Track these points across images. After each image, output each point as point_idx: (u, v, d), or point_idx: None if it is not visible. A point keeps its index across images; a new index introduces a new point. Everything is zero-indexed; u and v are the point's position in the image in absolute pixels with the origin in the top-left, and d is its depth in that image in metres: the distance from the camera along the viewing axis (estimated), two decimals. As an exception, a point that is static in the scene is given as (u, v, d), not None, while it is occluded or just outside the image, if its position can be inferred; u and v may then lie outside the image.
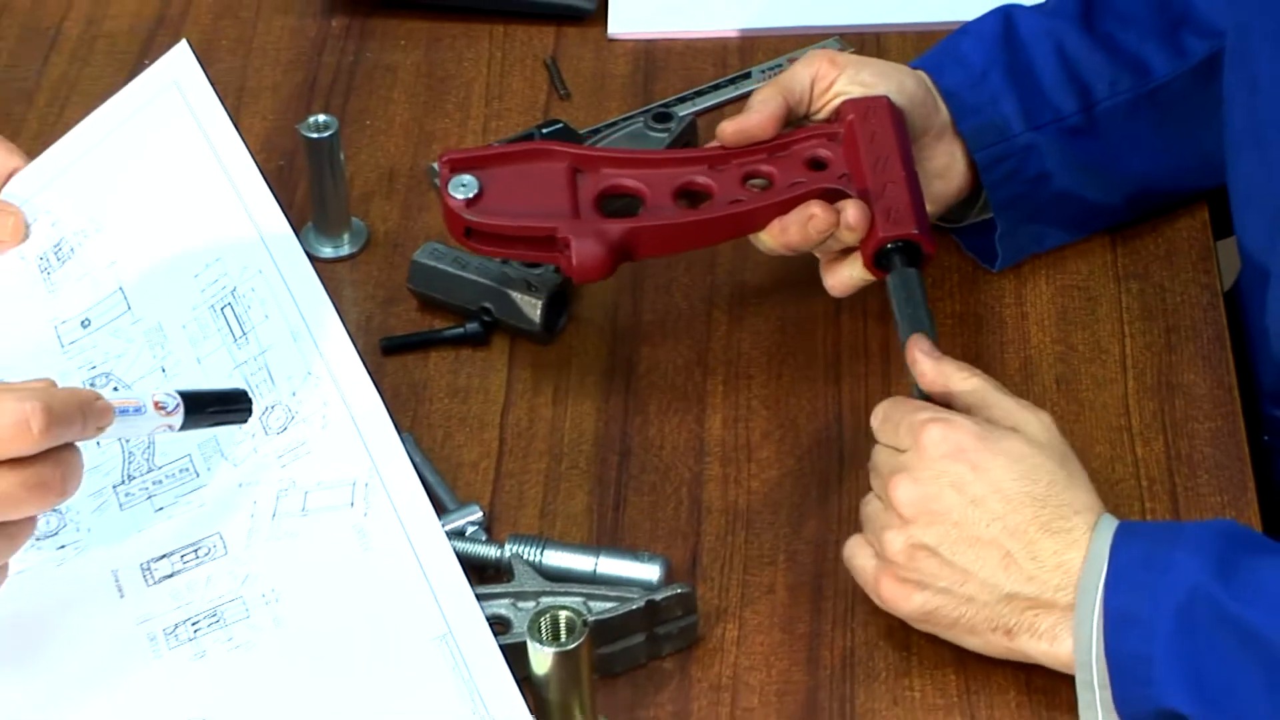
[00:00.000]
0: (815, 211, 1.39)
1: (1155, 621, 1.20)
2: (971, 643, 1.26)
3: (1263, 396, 1.48)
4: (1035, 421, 1.28)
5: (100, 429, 1.20)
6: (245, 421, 1.29)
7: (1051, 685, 1.27)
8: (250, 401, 1.29)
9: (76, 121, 1.51)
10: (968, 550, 1.24)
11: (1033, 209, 1.50)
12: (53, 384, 1.21)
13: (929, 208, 1.44)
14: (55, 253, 1.45)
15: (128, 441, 1.35)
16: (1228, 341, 1.47)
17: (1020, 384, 1.44)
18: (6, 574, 1.21)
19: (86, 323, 1.41)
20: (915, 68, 1.49)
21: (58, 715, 1.24)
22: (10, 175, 1.47)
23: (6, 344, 1.41)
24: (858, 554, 1.29)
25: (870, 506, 1.29)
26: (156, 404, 1.23)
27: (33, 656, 1.26)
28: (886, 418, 1.30)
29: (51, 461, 1.18)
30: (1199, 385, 1.45)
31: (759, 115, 1.43)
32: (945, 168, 1.48)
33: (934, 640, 1.29)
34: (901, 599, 1.26)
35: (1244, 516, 1.37)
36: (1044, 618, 1.23)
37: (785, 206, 1.40)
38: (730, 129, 1.43)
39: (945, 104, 1.48)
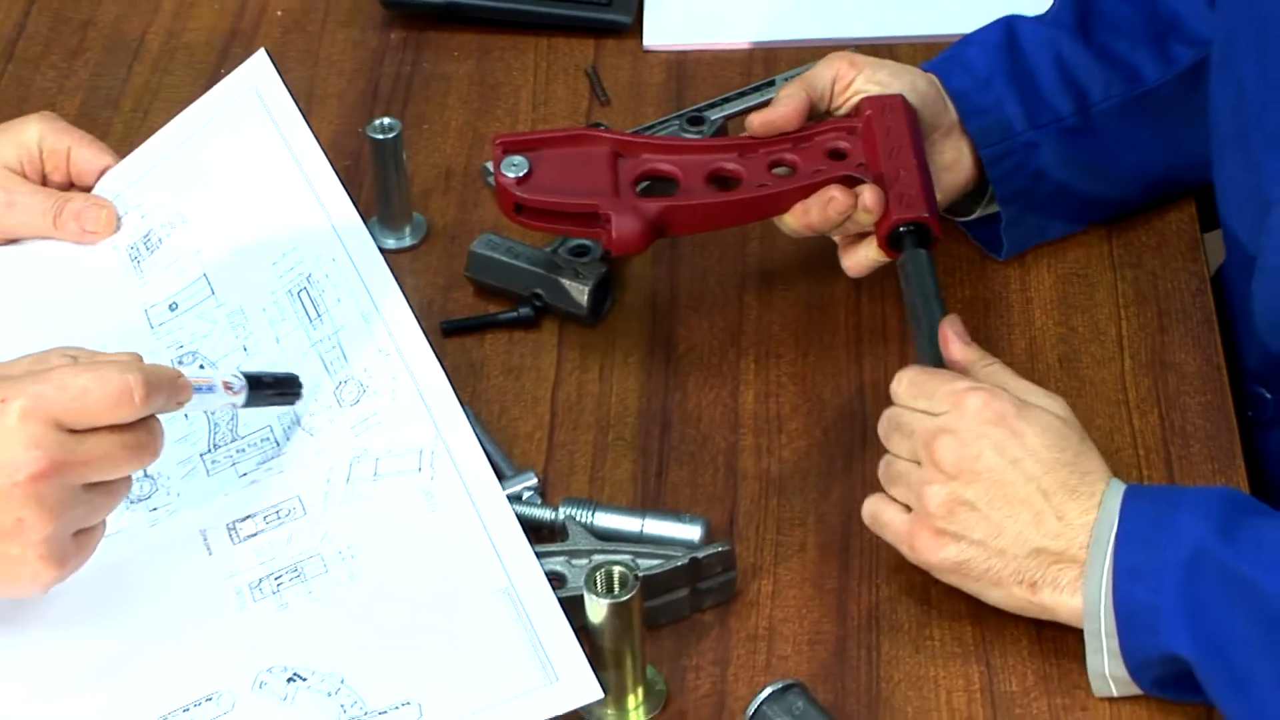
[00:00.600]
0: (835, 194, 1.39)
1: (1163, 574, 1.20)
2: (994, 595, 1.26)
3: (1247, 376, 1.48)
4: (1055, 401, 1.28)
5: (181, 403, 1.22)
6: (295, 403, 1.31)
7: (1060, 636, 1.27)
8: (300, 386, 1.31)
9: (159, 125, 1.52)
10: (1005, 507, 1.24)
11: (1034, 202, 1.50)
12: (139, 357, 1.22)
13: (939, 197, 1.44)
14: (145, 243, 1.45)
15: (213, 414, 1.35)
16: (1216, 324, 1.47)
17: (1026, 362, 1.44)
18: (105, 530, 1.22)
19: (174, 306, 1.42)
20: (925, 71, 1.49)
21: (153, 662, 1.24)
22: (103, 172, 1.48)
23: (101, 326, 1.41)
24: (885, 509, 1.28)
25: (898, 465, 1.28)
26: (225, 384, 1.25)
27: (129, 608, 1.27)
28: (917, 384, 1.28)
29: (144, 428, 1.19)
30: (1190, 363, 1.45)
31: (784, 109, 1.44)
32: (953, 162, 1.47)
33: (952, 594, 1.29)
34: (936, 550, 1.25)
35: (1233, 483, 1.37)
36: (1066, 572, 1.23)
37: (807, 191, 1.40)
38: (758, 120, 1.44)
39: (954, 105, 1.48)
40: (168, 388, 1.19)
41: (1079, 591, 1.23)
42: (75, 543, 1.19)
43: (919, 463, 1.27)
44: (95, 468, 1.17)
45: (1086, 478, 1.24)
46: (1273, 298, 1.35)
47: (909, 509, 1.27)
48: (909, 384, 1.29)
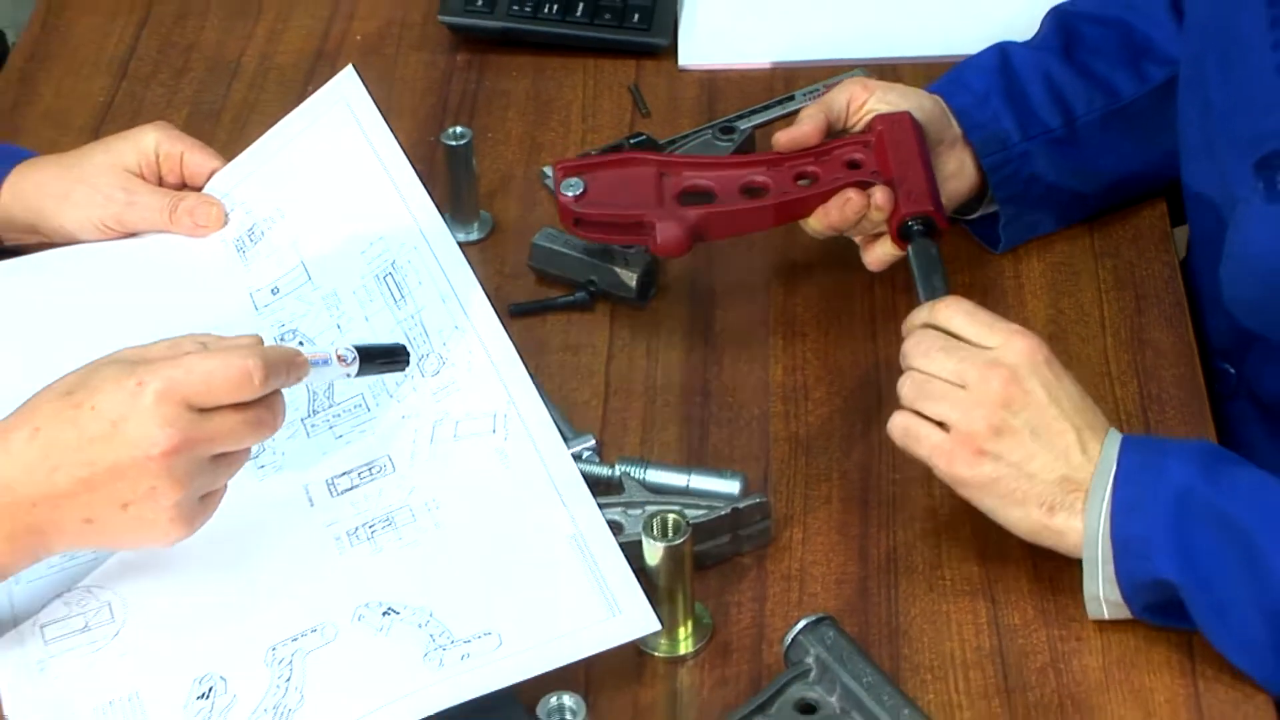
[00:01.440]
0: (851, 195, 1.40)
1: (1155, 509, 1.21)
2: (1012, 514, 1.26)
3: (1212, 354, 1.49)
4: None
5: (299, 378, 1.21)
6: (404, 369, 1.31)
7: (1056, 572, 1.28)
8: (408, 354, 1.30)
9: (255, 136, 1.52)
10: (1045, 436, 1.24)
11: (1028, 203, 1.51)
12: (260, 340, 1.22)
13: (946, 201, 1.45)
14: (249, 235, 1.46)
15: (312, 383, 1.36)
16: (1186, 306, 1.48)
17: (1020, 340, 1.45)
18: (225, 491, 1.23)
19: (276, 290, 1.43)
20: (931, 92, 1.50)
21: (264, 598, 1.25)
22: (211, 174, 1.49)
23: (212, 308, 1.42)
24: (920, 425, 1.26)
25: (936, 385, 1.26)
26: (339, 356, 1.25)
27: (243, 553, 1.28)
28: (973, 315, 1.28)
29: (265, 404, 1.20)
30: (1164, 340, 1.46)
31: (807, 127, 1.44)
32: (957, 170, 1.49)
33: (960, 540, 1.31)
34: (973, 465, 1.25)
35: (1204, 442, 1.39)
36: (1081, 500, 1.24)
37: (827, 197, 1.41)
38: (784, 138, 1.44)
39: (957, 120, 1.49)
40: (286, 367, 1.20)
41: (1084, 522, 1.24)
42: (201, 505, 1.20)
43: (963, 385, 1.25)
44: (220, 442, 1.18)
45: (1100, 422, 1.26)
46: (1240, 282, 1.36)
47: (942, 427, 1.26)
48: (966, 315, 1.28)
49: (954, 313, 1.29)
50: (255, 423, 1.19)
